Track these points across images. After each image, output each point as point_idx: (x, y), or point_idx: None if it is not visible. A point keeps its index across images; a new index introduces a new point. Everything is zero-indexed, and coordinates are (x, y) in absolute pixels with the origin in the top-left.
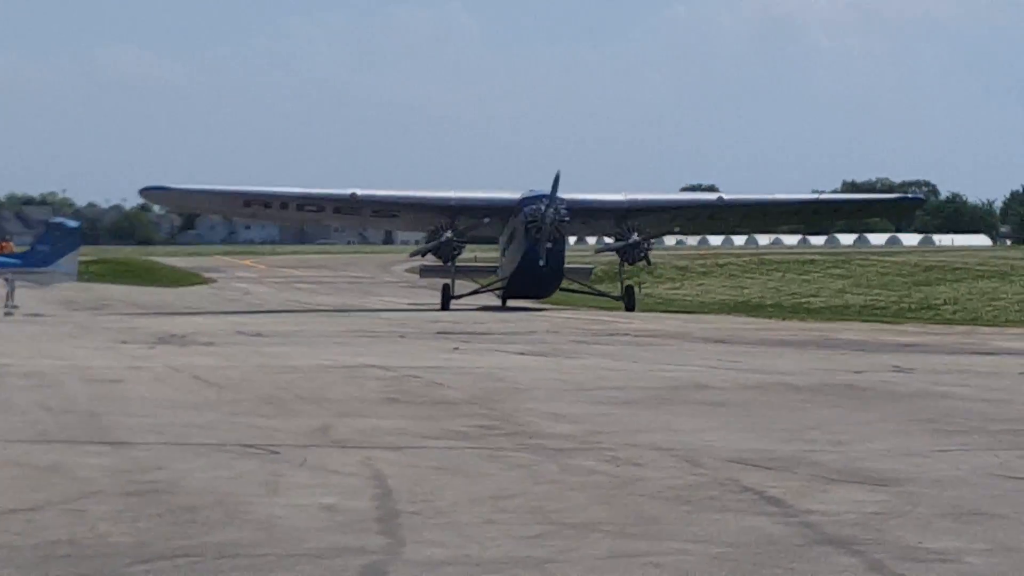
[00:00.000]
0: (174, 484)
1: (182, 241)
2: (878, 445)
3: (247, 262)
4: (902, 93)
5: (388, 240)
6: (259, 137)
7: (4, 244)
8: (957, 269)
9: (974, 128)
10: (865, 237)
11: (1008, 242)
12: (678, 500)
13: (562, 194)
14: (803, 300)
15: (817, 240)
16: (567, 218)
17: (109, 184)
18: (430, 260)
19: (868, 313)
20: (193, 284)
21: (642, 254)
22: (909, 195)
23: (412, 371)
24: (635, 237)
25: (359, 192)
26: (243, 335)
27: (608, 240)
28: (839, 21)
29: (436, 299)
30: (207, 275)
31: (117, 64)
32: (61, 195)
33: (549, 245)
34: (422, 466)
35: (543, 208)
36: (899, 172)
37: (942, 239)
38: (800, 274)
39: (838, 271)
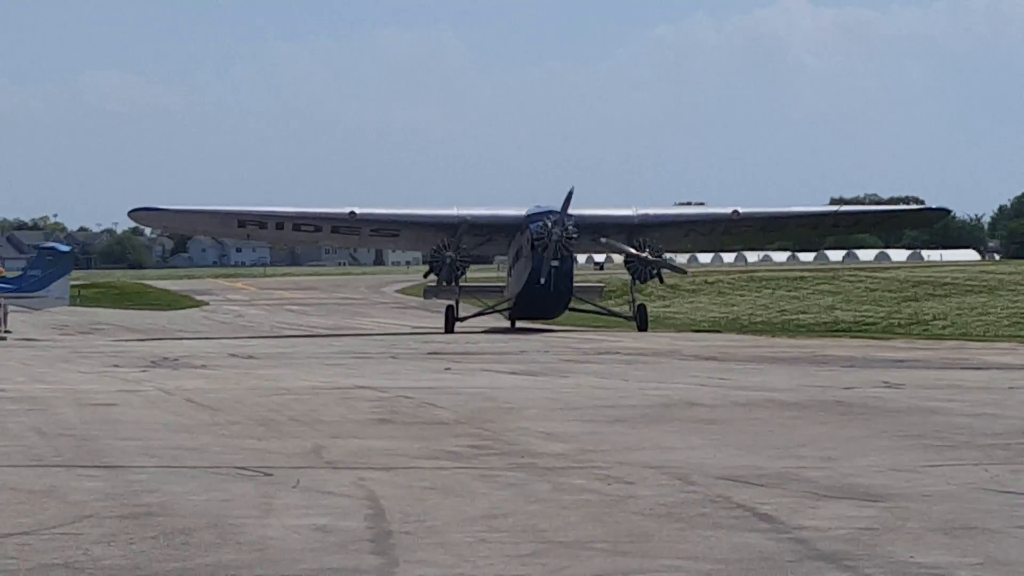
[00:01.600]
0: (168, 507)
1: (174, 264)
2: (868, 461)
3: (239, 284)
4: (889, 109)
5: (379, 261)
6: (247, 161)
7: None
8: (946, 284)
9: (961, 143)
10: (854, 253)
11: (997, 257)
12: (670, 517)
13: (570, 210)
14: (793, 316)
15: (806, 256)
16: (575, 235)
17: (100, 208)
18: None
19: (858, 329)
20: (185, 307)
21: (654, 271)
22: (934, 206)
23: (404, 392)
24: (646, 253)
25: (358, 210)
26: (236, 357)
27: (617, 258)
28: (824, 39)
29: (436, 321)
30: (199, 298)
31: (106, 89)
32: (53, 220)
33: (556, 263)
34: (415, 486)
35: (549, 225)
36: (887, 188)
37: (931, 254)
38: (790, 291)
39: (827, 287)
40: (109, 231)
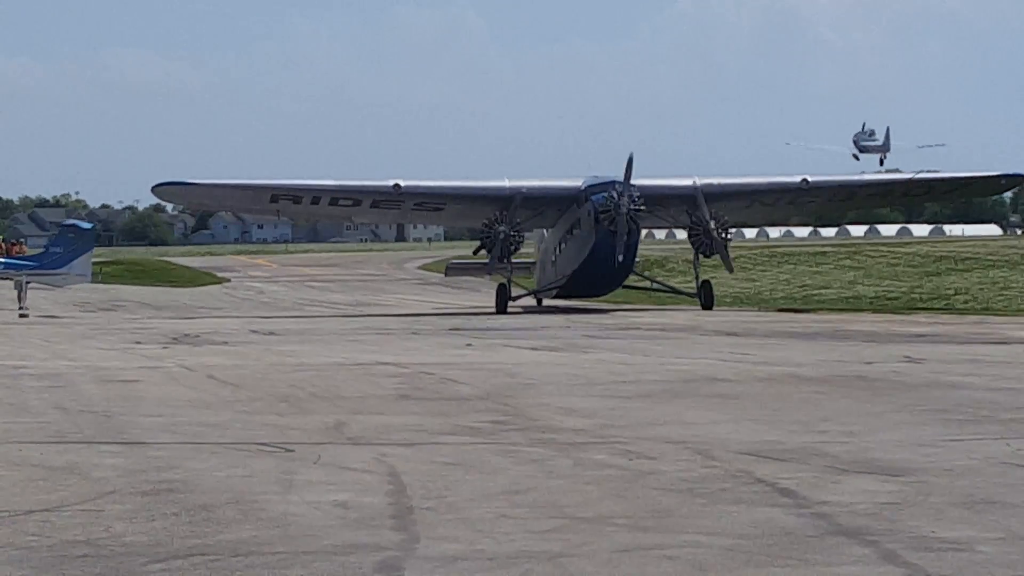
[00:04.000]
0: (189, 483)
1: (195, 241)
2: (890, 436)
3: (260, 261)
4: (908, 84)
5: (400, 237)
6: (267, 138)
7: (18, 245)
8: (968, 259)
9: (982, 119)
10: (876, 228)
11: (1019, 231)
12: (691, 493)
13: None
14: (815, 292)
15: (828, 232)
16: (643, 206)
17: (122, 185)
18: (467, 257)
19: (879, 304)
20: (206, 284)
21: (724, 243)
22: (1009, 172)
23: (425, 368)
24: (712, 225)
25: (402, 183)
26: (257, 334)
27: (679, 232)
28: (844, 14)
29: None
30: (220, 274)
31: (127, 67)
32: (74, 197)
33: (625, 237)
34: (436, 462)
35: (616, 196)
36: (908, 163)
37: (952, 229)
38: (811, 266)
39: (849, 262)
40: (131, 208)
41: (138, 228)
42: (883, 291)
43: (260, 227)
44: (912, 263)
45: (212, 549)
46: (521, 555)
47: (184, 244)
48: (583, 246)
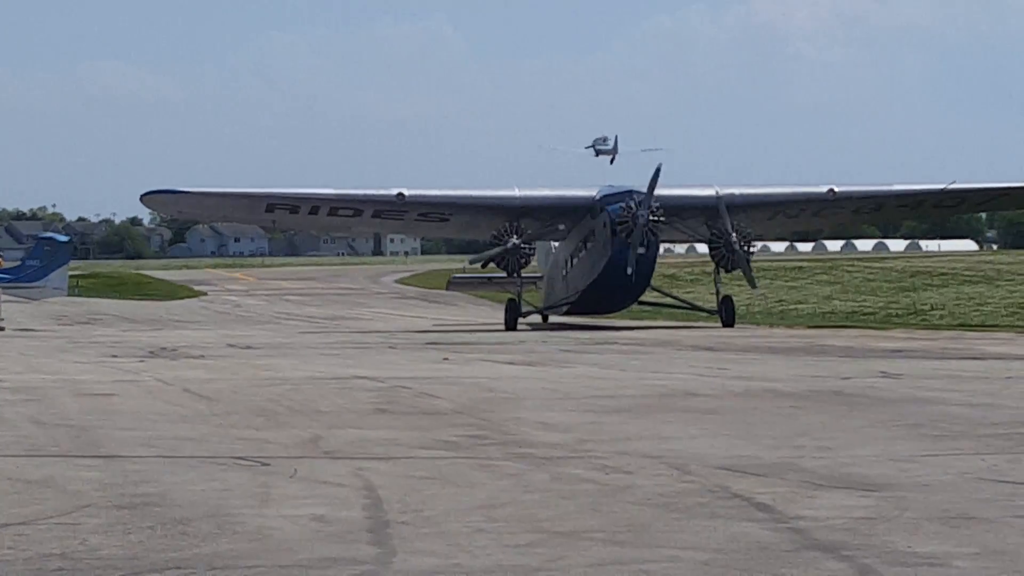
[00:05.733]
0: (165, 497)
1: (172, 254)
2: (866, 451)
3: (237, 274)
4: (886, 99)
5: (378, 251)
6: (245, 152)
7: None
8: (944, 274)
9: (958, 134)
10: (852, 243)
11: (995, 247)
12: (668, 507)
13: (638, 188)
14: (791, 307)
15: (805, 247)
16: (663, 218)
17: (99, 198)
18: (469, 271)
19: (856, 319)
20: (184, 297)
21: (747, 259)
22: None
23: (402, 382)
24: (734, 238)
25: (406, 192)
26: (234, 348)
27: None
28: (821, 29)
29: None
30: (197, 288)
31: (105, 79)
32: (51, 210)
33: (642, 250)
34: (412, 476)
35: (634, 207)
36: (884, 178)
37: (929, 244)
38: (788, 281)
39: (825, 277)
40: (107, 221)
41: (115, 241)
42: (859, 306)
43: (237, 240)
44: (888, 278)
45: (188, 563)
46: (498, 569)
47: (161, 257)
48: (597, 260)
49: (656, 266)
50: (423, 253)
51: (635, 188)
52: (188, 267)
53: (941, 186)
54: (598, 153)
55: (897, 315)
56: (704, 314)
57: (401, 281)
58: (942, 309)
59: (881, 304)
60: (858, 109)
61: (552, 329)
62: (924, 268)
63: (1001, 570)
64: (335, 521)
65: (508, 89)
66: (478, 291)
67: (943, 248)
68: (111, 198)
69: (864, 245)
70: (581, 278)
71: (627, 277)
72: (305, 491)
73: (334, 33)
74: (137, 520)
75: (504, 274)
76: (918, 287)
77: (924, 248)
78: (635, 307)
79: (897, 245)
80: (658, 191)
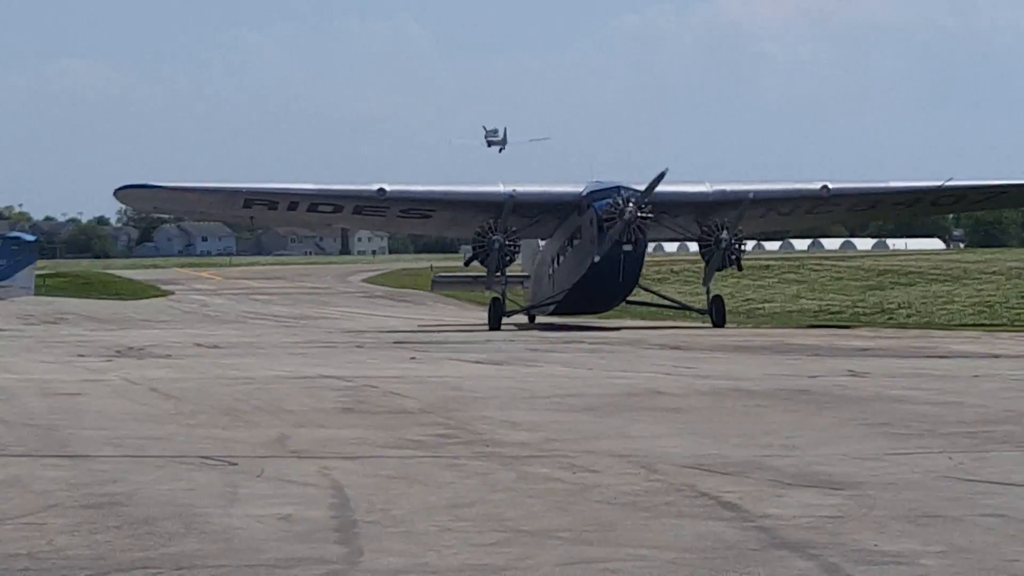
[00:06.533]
0: (132, 496)
1: (139, 254)
2: (833, 449)
3: (204, 274)
4: (852, 97)
5: (345, 250)
6: (216, 149)
7: None
8: (911, 273)
9: (926, 132)
10: (819, 242)
11: (961, 245)
12: (634, 506)
13: (633, 185)
14: (758, 305)
15: (772, 245)
16: (651, 215)
17: (66, 197)
18: (453, 270)
19: (823, 318)
20: (151, 297)
21: (733, 256)
22: None
23: (369, 381)
24: (724, 235)
25: (388, 187)
26: (201, 347)
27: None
28: (786, 27)
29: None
30: (165, 287)
31: (72, 78)
32: (17, 209)
33: (628, 248)
34: (379, 475)
35: (621, 202)
36: (851, 177)
37: (895, 243)
38: (755, 279)
39: (792, 276)
40: (74, 220)
41: (81, 240)
42: (826, 305)
43: (204, 240)
44: (855, 277)
45: (155, 562)
46: (465, 568)
47: (128, 256)
48: (584, 258)
49: (644, 264)
50: (391, 252)
51: (623, 184)
52: (155, 266)
53: (938, 183)
54: (490, 144)
55: (864, 314)
56: (694, 314)
57: (369, 280)
58: (909, 308)
59: (848, 303)
60: (824, 107)
61: (536, 329)
62: (891, 267)
63: (967, 568)
64: (302, 520)
65: (475, 87)
66: (463, 290)
67: (910, 247)
68: (78, 197)
69: (831, 244)
70: (567, 277)
71: (614, 275)
72: (272, 490)
73: (302, 31)
74: (104, 520)
75: (488, 273)
76: (885, 286)
77: (891, 247)
78: (624, 306)
79: (864, 244)
80: (644, 186)
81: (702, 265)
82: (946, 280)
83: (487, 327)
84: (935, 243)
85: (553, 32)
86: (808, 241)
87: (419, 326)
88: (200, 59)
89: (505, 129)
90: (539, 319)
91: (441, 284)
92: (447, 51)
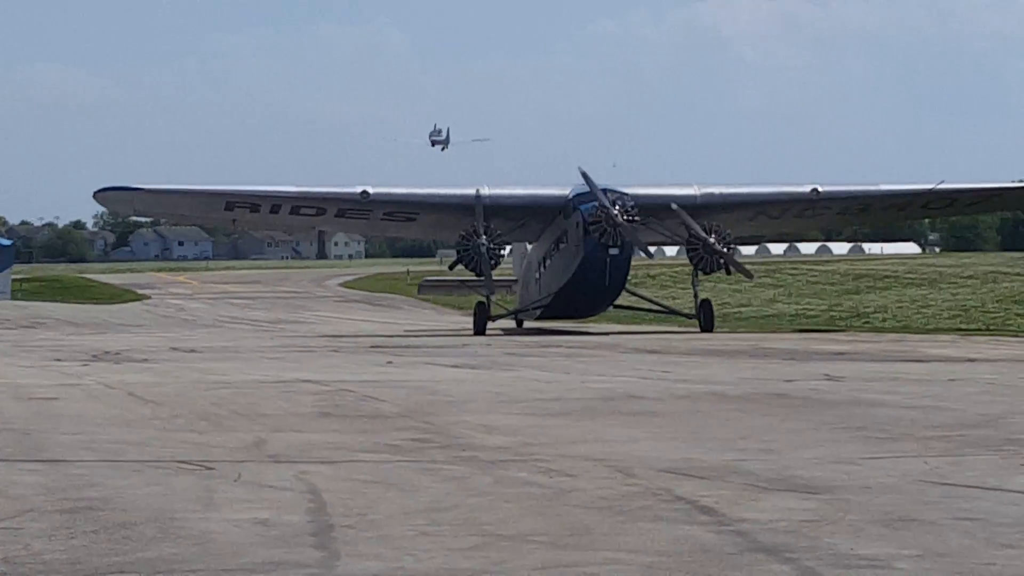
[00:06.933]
0: (109, 501)
1: (116, 258)
2: (809, 453)
3: (181, 278)
4: (829, 102)
5: (322, 254)
6: (193, 154)
7: None
8: (887, 277)
9: (900, 137)
10: (795, 246)
11: (937, 250)
12: (611, 510)
13: (620, 188)
14: (734, 310)
15: (748, 250)
16: (638, 217)
17: (42, 202)
18: (438, 274)
19: (799, 322)
20: (127, 301)
21: (721, 260)
22: None
23: (346, 385)
24: (712, 239)
25: (371, 190)
26: (177, 351)
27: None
28: (763, 32)
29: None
30: (141, 291)
31: (46, 82)
32: None
33: (615, 252)
34: (356, 480)
35: (608, 205)
36: (828, 181)
37: (871, 247)
38: (731, 283)
39: (769, 280)
40: (50, 225)
41: (58, 245)
42: (803, 309)
43: (181, 244)
44: (831, 281)
45: (132, 567)
46: (441, 572)
47: (104, 261)
48: (570, 262)
49: (632, 268)
50: (367, 257)
51: (610, 187)
52: (132, 270)
53: (930, 186)
54: (433, 143)
55: (840, 318)
56: (683, 318)
57: (345, 285)
58: (885, 312)
59: (824, 307)
60: (801, 112)
61: (518, 334)
62: (867, 271)
63: (943, 572)
64: (279, 525)
65: (454, 91)
66: (451, 295)
67: (886, 251)
68: (54, 202)
69: (807, 248)
70: (554, 281)
71: (600, 280)
72: (249, 495)
73: (279, 36)
74: (80, 524)
75: (475, 277)
76: (861, 290)
77: (867, 251)
78: (611, 311)
79: (840, 248)
80: (635, 190)
81: (679, 270)
82: (922, 284)
83: (472, 332)
84: (911, 247)
85: (531, 37)
86: (785, 246)
87: (405, 331)
88: (177, 64)
89: (448, 129)
90: (527, 324)
91: (428, 288)
92: (425, 56)
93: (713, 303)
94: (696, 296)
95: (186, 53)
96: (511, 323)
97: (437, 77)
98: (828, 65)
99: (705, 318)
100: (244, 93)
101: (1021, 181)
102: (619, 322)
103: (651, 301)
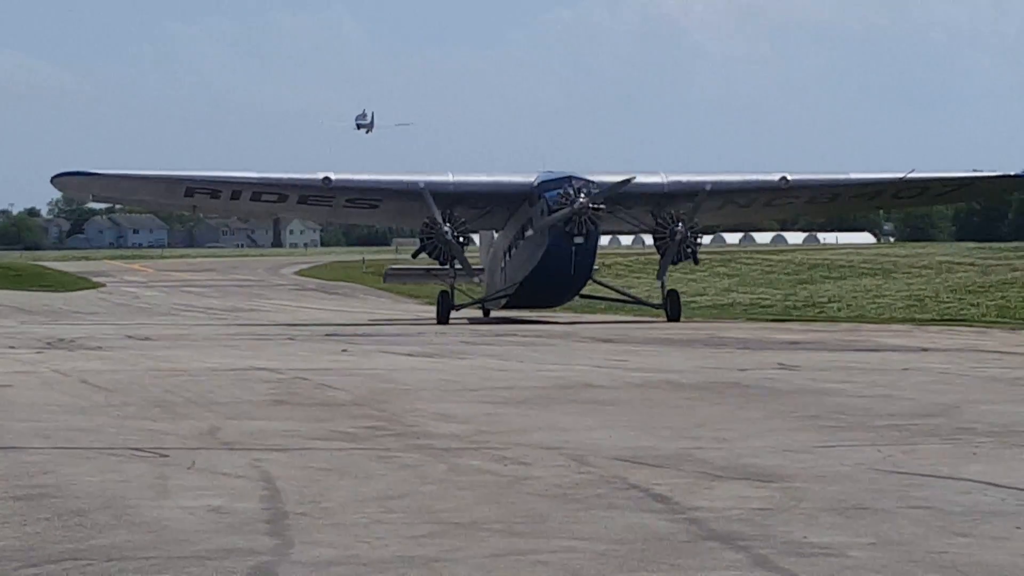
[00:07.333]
0: (62, 488)
1: (70, 245)
2: (763, 442)
3: (136, 266)
4: (785, 93)
5: (277, 243)
6: (145, 142)
7: None
8: (841, 267)
9: (856, 128)
10: (751, 236)
11: (892, 240)
12: (565, 498)
13: (587, 175)
14: (690, 299)
15: (704, 239)
16: (603, 205)
17: None
18: (403, 262)
19: (754, 311)
20: (82, 289)
21: (688, 249)
22: (1012, 172)
23: (300, 373)
24: (679, 228)
25: (333, 176)
26: (132, 339)
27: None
28: (719, 22)
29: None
30: (96, 279)
31: (1, 70)
32: None
33: (580, 240)
34: (310, 467)
35: (572, 193)
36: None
37: (826, 237)
38: (686, 273)
39: (724, 270)
40: (5, 212)
41: (12, 232)
42: (758, 298)
43: (136, 232)
44: (786, 271)
45: (85, 554)
46: (396, 560)
47: (59, 248)
48: (535, 250)
49: (597, 257)
50: (323, 245)
51: (575, 174)
52: (86, 258)
53: (900, 175)
54: (359, 127)
55: (795, 307)
56: (649, 308)
57: (301, 273)
58: (839, 301)
59: (779, 296)
60: (757, 103)
61: (478, 323)
62: (822, 261)
63: (896, 560)
64: (233, 512)
65: (409, 80)
66: (417, 283)
67: (841, 241)
68: (8, 189)
69: (763, 237)
70: (519, 269)
71: (565, 269)
72: (203, 482)
73: (233, 25)
74: (34, 512)
75: (440, 266)
76: (816, 279)
77: (822, 241)
78: (577, 301)
79: (795, 238)
80: (601, 178)
81: (633, 259)
82: (876, 274)
83: (435, 320)
84: (866, 237)
85: (485, 26)
86: (740, 235)
87: (370, 320)
88: (130, 52)
89: (373, 113)
90: (493, 313)
91: (393, 277)
92: (380, 45)
93: None
94: (663, 286)
95: (139, 42)
96: (477, 312)
97: (392, 66)
98: (783, 56)
99: (672, 308)
100: (199, 82)
101: (977, 170)
102: (584, 311)
103: (618, 291)
